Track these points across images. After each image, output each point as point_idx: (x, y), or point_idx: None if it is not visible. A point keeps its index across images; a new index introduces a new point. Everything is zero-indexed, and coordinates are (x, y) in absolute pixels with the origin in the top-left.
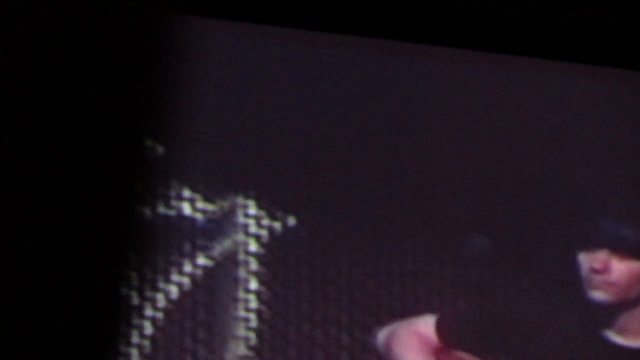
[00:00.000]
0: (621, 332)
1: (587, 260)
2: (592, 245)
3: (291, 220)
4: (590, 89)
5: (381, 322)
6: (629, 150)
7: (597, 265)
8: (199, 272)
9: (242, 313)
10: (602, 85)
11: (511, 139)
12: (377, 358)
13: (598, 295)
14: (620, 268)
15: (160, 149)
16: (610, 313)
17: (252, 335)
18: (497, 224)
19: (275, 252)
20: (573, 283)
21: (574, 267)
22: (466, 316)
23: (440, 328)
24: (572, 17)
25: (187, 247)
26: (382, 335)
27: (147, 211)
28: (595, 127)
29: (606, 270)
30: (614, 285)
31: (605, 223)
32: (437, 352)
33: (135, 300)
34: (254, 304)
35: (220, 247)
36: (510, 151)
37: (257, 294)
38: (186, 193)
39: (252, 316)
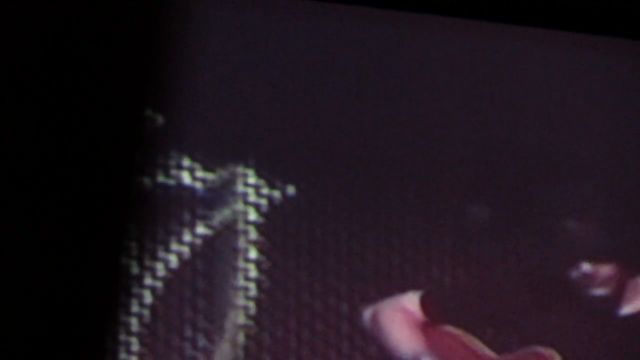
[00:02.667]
0: (608, 302)
1: (574, 269)
2: (573, 256)
3: (290, 190)
4: (589, 58)
5: (380, 292)
6: (622, 127)
7: (587, 271)
8: (198, 241)
9: (241, 282)
10: (601, 55)
11: (510, 109)
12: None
13: (597, 292)
14: (604, 274)
15: (160, 119)
16: (592, 292)
17: (251, 305)
18: (497, 193)
19: (274, 221)
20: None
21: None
22: (451, 292)
23: (424, 304)
24: None
25: (186, 216)
26: (368, 313)
27: (147, 181)
28: (601, 97)
29: (594, 276)
30: (602, 287)
31: (574, 227)
32: (424, 327)
33: (135, 270)
34: (253, 273)
35: (220, 216)
36: (510, 121)
37: (257, 263)
38: (186, 162)
39: (252, 285)
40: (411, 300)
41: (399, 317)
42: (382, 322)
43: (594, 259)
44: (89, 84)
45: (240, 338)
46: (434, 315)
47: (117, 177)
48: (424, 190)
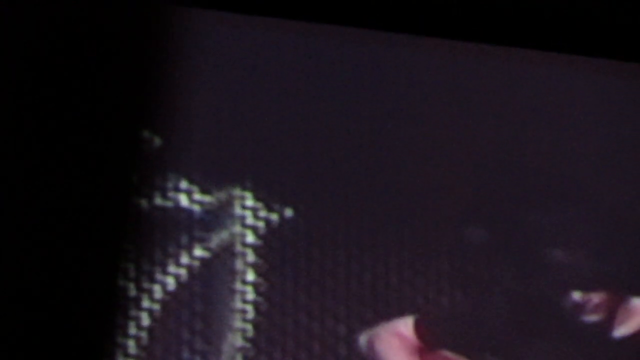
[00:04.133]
0: (603, 326)
1: (566, 296)
2: (566, 284)
3: (288, 212)
4: (588, 81)
5: (378, 314)
6: (618, 146)
7: (578, 299)
8: (195, 263)
9: (239, 304)
10: (600, 78)
11: (508, 131)
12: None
13: (591, 318)
14: (597, 297)
15: (158, 141)
16: (599, 321)
17: (249, 327)
18: (494, 216)
19: (272, 243)
20: (562, 282)
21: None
22: (445, 316)
23: (419, 328)
24: (570, 9)
25: (184, 238)
26: (364, 337)
27: (145, 203)
28: (593, 120)
29: (587, 303)
30: (597, 314)
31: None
32: (420, 352)
33: (133, 292)
34: (250, 295)
35: (217, 239)
36: (507, 144)
37: (254, 285)
38: (183, 184)
39: (249, 308)
40: (406, 324)
41: (395, 341)
42: (378, 346)
43: (592, 282)
44: (84, 106)
45: None
46: (430, 339)
47: (114, 199)
48: (422, 213)
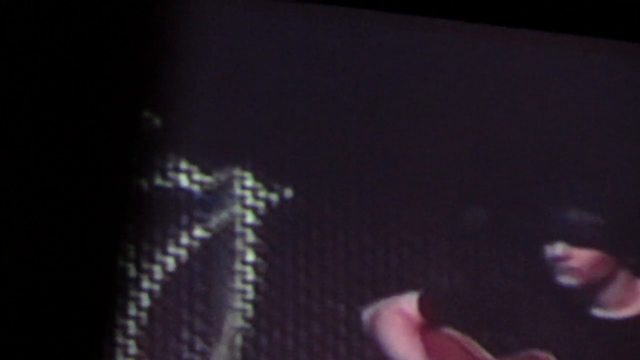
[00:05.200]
0: (601, 306)
1: (548, 249)
2: (554, 229)
3: (288, 192)
4: (585, 60)
5: (378, 294)
6: (615, 127)
7: (558, 253)
8: (195, 244)
9: (238, 285)
10: (596, 57)
11: (507, 111)
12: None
13: (566, 280)
14: (580, 255)
15: (158, 121)
16: (585, 291)
17: (248, 307)
18: (494, 196)
19: (272, 224)
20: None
21: (540, 256)
22: (448, 294)
23: (422, 306)
24: None
25: (184, 219)
26: (366, 315)
27: (144, 183)
28: (593, 100)
29: (567, 258)
30: (577, 270)
31: (560, 211)
32: (421, 329)
33: (133, 273)
34: (250, 275)
35: (217, 219)
36: (507, 123)
37: (254, 265)
38: (183, 165)
39: (249, 288)
40: (409, 302)
41: (397, 319)
42: (380, 324)
43: (593, 261)
44: (86, 87)
45: (238, 340)
46: (432, 317)
47: (115, 179)
48: (422, 193)
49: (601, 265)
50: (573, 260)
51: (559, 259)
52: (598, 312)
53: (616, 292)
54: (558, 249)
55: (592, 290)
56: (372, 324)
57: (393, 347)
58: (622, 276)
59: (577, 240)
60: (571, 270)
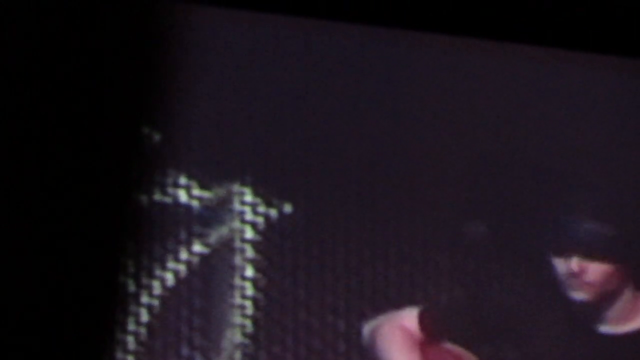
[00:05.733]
0: (604, 321)
1: (562, 263)
2: (564, 248)
3: (287, 208)
4: (585, 76)
5: (377, 309)
6: (618, 142)
7: (574, 269)
8: (195, 259)
9: (238, 300)
10: (596, 73)
11: (507, 126)
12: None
13: (579, 295)
14: (595, 268)
15: (157, 137)
16: (589, 306)
17: (248, 323)
18: (494, 211)
19: (271, 239)
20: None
21: (551, 269)
22: (448, 309)
23: (422, 321)
24: (568, 4)
25: (183, 234)
26: (366, 330)
27: (144, 198)
28: (593, 115)
29: (582, 273)
30: (591, 284)
31: (570, 223)
32: (422, 344)
33: (132, 288)
34: (250, 291)
35: (216, 235)
36: (507, 138)
37: (253, 281)
38: (182, 180)
39: (248, 303)
40: (409, 317)
41: (397, 334)
42: (380, 339)
43: (594, 277)
44: (84, 102)
45: (237, 356)
46: (432, 332)
47: (114, 195)
48: (422, 207)
49: (611, 279)
50: (587, 274)
51: (573, 274)
52: (601, 327)
53: (621, 306)
54: (572, 263)
55: (598, 304)
56: (372, 339)
57: None
58: (628, 290)
59: (586, 253)
60: (585, 285)
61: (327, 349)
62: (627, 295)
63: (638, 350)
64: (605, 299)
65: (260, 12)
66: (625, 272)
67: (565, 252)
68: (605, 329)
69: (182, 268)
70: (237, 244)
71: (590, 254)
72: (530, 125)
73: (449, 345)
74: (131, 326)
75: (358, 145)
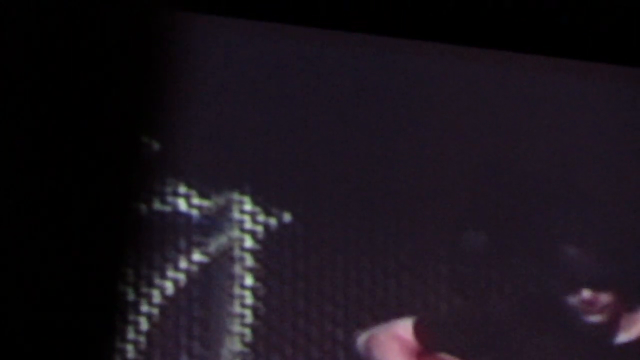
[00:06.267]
0: (602, 333)
1: (573, 295)
2: (574, 282)
3: (287, 217)
4: (585, 85)
5: (376, 319)
6: (619, 150)
7: (587, 297)
8: (194, 268)
9: (237, 309)
10: (597, 82)
11: (506, 134)
12: None
13: (594, 318)
14: (603, 296)
15: (156, 145)
16: (590, 322)
17: (247, 332)
18: (493, 219)
19: (270, 248)
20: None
21: (550, 280)
22: (444, 319)
23: (418, 331)
24: (567, 13)
25: (182, 243)
26: (362, 339)
27: (143, 207)
28: (593, 123)
29: (596, 300)
30: (600, 314)
31: (560, 237)
32: (417, 355)
33: (131, 296)
34: (249, 300)
35: (216, 243)
36: (506, 146)
37: (253, 290)
38: (182, 189)
39: (248, 312)
40: (405, 327)
41: (393, 344)
42: (376, 349)
43: (592, 285)
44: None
45: None
46: (429, 342)
47: (113, 204)
48: (421, 217)
49: (617, 302)
50: (596, 304)
51: (587, 302)
52: (598, 336)
53: (617, 317)
54: (582, 298)
55: (600, 321)
56: (367, 348)
57: None
58: (625, 303)
59: (595, 286)
60: (594, 312)
61: (326, 358)
62: (627, 313)
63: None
64: (609, 319)
65: (259, 20)
66: (619, 294)
67: (572, 286)
68: (604, 338)
69: (181, 277)
70: (237, 252)
71: (596, 287)
72: (531, 135)
73: (445, 356)
74: (131, 335)
75: (357, 154)
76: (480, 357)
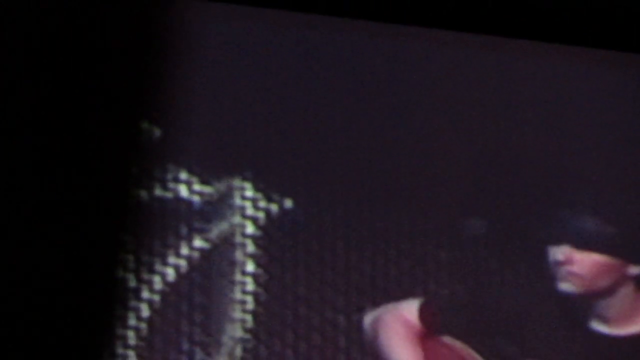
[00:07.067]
0: (603, 321)
1: (552, 253)
2: (556, 238)
3: (288, 203)
4: (584, 71)
5: (377, 305)
6: (619, 138)
7: (560, 257)
8: (195, 254)
9: (238, 295)
10: (595, 68)
11: (507, 121)
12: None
13: (566, 286)
14: (583, 260)
15: (157, 132)
16: (586, 302)
17: (248, 318)
18: (493, 206)
19: (271, 234)
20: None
21: (544, 259)
22: (448, 303)
23: (423, 314)
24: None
25: (183, 229)
26: (368, 320)
27: (144, 194)
28: (592, 111)
29: (569, 262)
30: (578, 276)
31: (567, 216)
32: (422, 337)
33: (133, 283)
34: (250, 286)
35: (217, 230)
36: (507, 133)
37: (254, 276)
38: (183, 175)
39: (249, 298)
40: (410, 309)
41: (398, 326)
42: (382, 330)
43: (592, 273)
44: (84, 98)
45: (238, 351)
46: (432, 325)
47: (114, 190)
48: (421, 203)
49: (604, 274)
50: (574, 265)
51: (560, 262)
52: (601, 327)
53: (619, 305)
54: (560, 252)
55: (593, 300)
56: (373, 329)
57: (393, 354)
58: (627, 290)
59: (580, 245)
60: (571, 276)
61: (327, 344)
62: (625, 295)
63: (638, 353)
64: (597, 294)
65: (260, 7)
66: (622, 271)
67: (558, 243)
68: (603, 328)
69: (182, 263)
70: (238, 239)
71: (580, 246)
72: (530, 122)
73: (448, 339)
74: (132, 321)
75: (358, 141)
76: (482, 340)
